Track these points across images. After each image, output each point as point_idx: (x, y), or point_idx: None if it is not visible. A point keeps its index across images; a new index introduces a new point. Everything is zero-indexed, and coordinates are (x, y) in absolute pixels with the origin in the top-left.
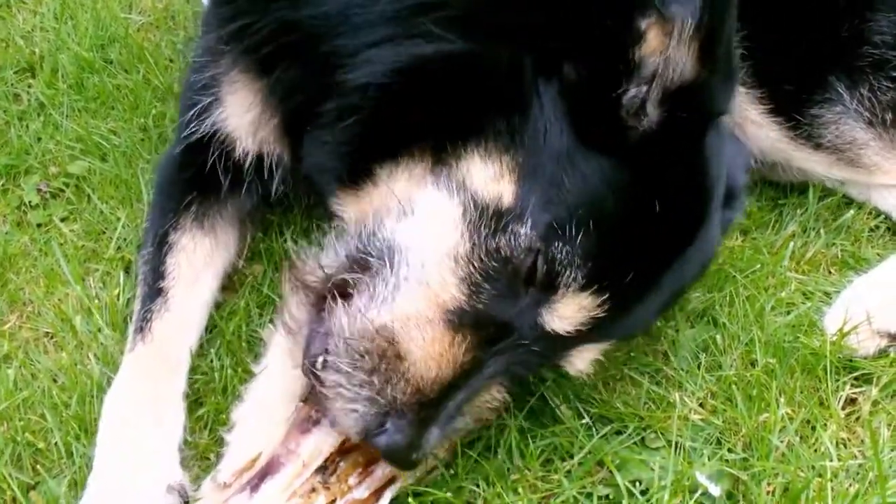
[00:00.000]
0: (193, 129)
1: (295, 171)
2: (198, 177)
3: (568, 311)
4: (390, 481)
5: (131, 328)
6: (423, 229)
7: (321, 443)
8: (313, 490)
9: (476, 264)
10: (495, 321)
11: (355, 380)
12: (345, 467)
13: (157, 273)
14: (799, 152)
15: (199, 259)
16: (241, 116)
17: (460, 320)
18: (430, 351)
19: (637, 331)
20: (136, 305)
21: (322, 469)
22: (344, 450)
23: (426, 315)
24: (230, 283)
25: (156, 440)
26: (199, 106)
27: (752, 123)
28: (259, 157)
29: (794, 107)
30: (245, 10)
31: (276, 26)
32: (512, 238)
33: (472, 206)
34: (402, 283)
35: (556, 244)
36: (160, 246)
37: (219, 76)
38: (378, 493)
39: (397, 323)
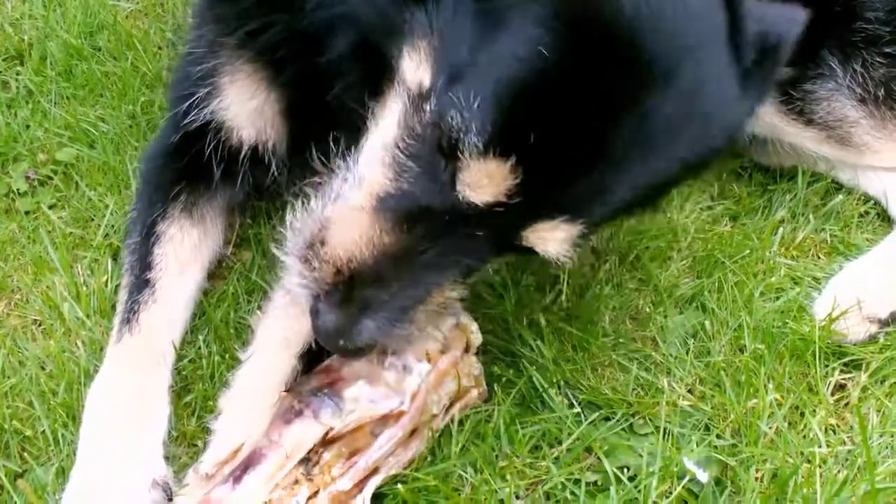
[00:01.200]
0: (191, 119)
1: (291, 157)
2: (188, 167)
3: (474, 178)
4: (373, 472)
5: (116, 319)
6: (374, 134)
7: (304, 434)
8: (296, 482)
9: (400, 148)
10: (419, 202)
11: (296, 269)
12: (328, 458)
13: (144, 263)
14: (791, 127)
15: (187, 250)
16: (244, 104)
17: (385, 205)
18: (350, 234)
19: (605, 207)
20: (122, 296)
21: (305, 460)
22: (327, 441)
23: (358, 204)
24: (218, 271)
25: (140, 435)
26: (196, 97)
27: None
28: (254, 147)
29: (787, 81)
30: (253, 14)
31: (287, 35)
32: (423, 115)
33: (406, 99)
34: (349, 180)
35: (456, 113)
36: (147, 236)
37: (220, 66)
38: (361, 484)
39: (333, 213)
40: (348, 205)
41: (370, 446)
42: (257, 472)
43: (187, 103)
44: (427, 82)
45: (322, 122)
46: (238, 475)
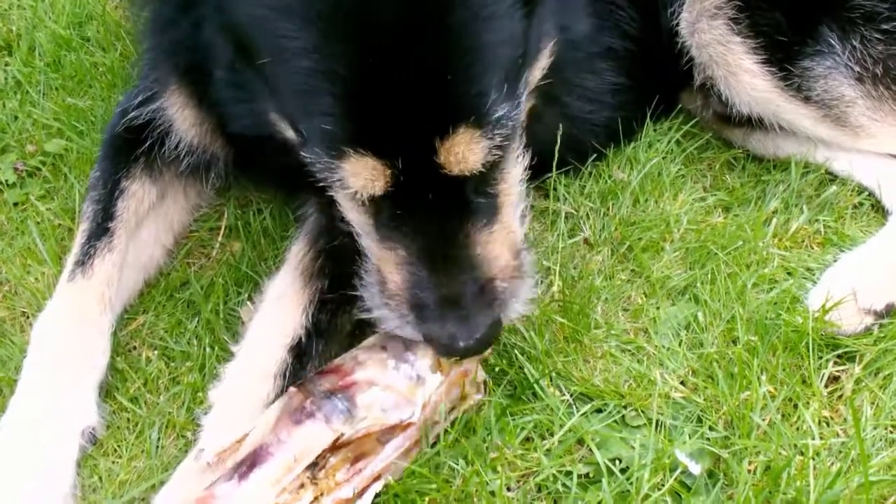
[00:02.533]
0: (141, 110)
1: (238, 168)
2: (148, 136)
3: (361, 172)
4: (376, 479)
5: (71, 259)
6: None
7: (314, 438)
8: (301, 486)
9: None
10: (383, 223)
11: (387, 316)
12: (334, 463)
13: (106, 213)
14: (788, 104)
15: (146, 207)
16: (181, 113)
17: (380, 236)
18: (390, 267)
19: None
20: (80, 238)
21: (312, 464)
22: (336, 446)
23: (369, 244)
24: (207, 262)
25: (78, 380)
26: (148, 92)
27: (745, 72)
28: (198, 150)
29: (786, 57)
30: (165, 27)
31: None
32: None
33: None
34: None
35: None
36: (112, 191)
37: (161, 77)
38: (362, 491)
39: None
40: (369, 246)
41: (376, 454)
42: (264, 472)
43: (141, 90)
44: (294, 137)
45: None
46: (244, 472)
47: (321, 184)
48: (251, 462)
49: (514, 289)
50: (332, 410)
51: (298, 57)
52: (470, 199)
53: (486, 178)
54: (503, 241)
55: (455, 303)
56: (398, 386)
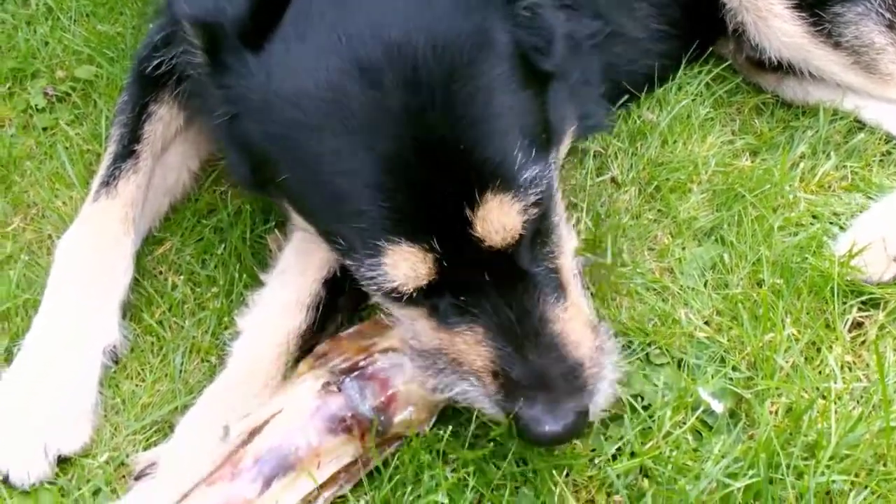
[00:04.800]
0: (165, 52)
1: None
2: (175, 69)
3: (403, 262)
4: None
5: (96, 180)
6: None
7: (344, 451)
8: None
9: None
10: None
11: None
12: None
13: (133, 136)
14: (818, 49)
15: (173, 131)
16: None
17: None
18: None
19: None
20: (106, 161)
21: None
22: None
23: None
24: (235, 189)
25: (101, 299)
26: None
27: (776, 17)
28: None
29: (817, 3)
30: None
31: None
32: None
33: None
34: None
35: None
36: (140, 114)
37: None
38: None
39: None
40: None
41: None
42: (290, 484)
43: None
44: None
45: None
46: (268, 478)
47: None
48: (278, 467)
49: (600, 373)
50: (368, 427)
51: (318, 164)
52: (528, 270)
53: (538, 249)
54: (579, 320)
55: (545, 383)
56: (431, 405)
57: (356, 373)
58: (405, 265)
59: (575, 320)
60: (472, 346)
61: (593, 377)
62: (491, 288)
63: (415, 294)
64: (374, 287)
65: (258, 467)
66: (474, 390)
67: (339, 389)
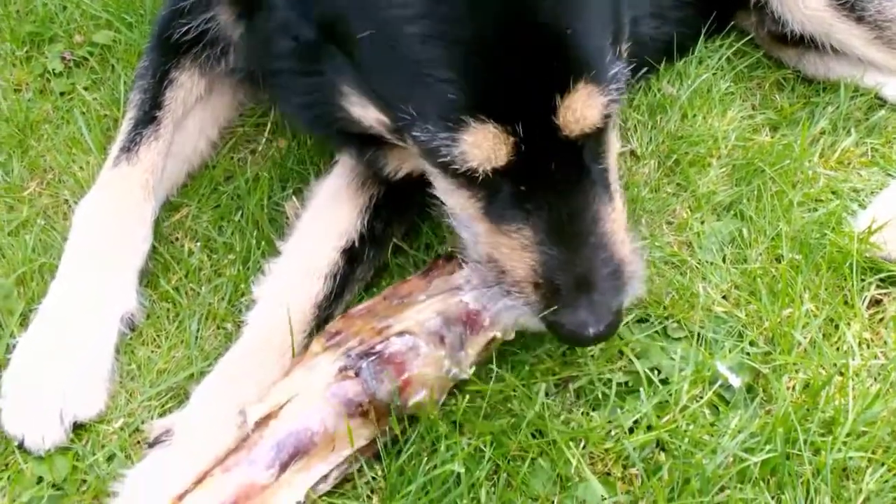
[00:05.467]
0: (190, 19)
1: None
2: (198, 38)
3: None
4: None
5: (116, 146)
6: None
7: (360, 432)
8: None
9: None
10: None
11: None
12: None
13: (154, 102)
14: (841, 23)
15: (194, 99)
16: (230, 26)
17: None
18: (507, 252)
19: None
20: (126, 126)
21: None
22: None
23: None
24: (252, 157)
25: (119, 267)
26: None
27: None
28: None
29: None
30: None
31: None
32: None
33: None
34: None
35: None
36: (161, 80)
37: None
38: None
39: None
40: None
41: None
42: (304, 468)
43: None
44: (387, 122)
45: None
46: (284, 463)
47: (428, 166)
48: (294, 452)
49: (637, 272)
50: (386, 412)
51: (407, 24)
52: (590, 168)
53: (598, 147)
54: (622, 220)
55: (589, 285)
56: (440, 387)
57: (373, 357)
58: (487, 145)
59: (619, 220)
60: (517, 251)
61: (631, 275)
62: (553, 180)
63: (482, 177)
64: (443, 162)
65: (274, 453)
66: (517, 304)
67: (356, 374)
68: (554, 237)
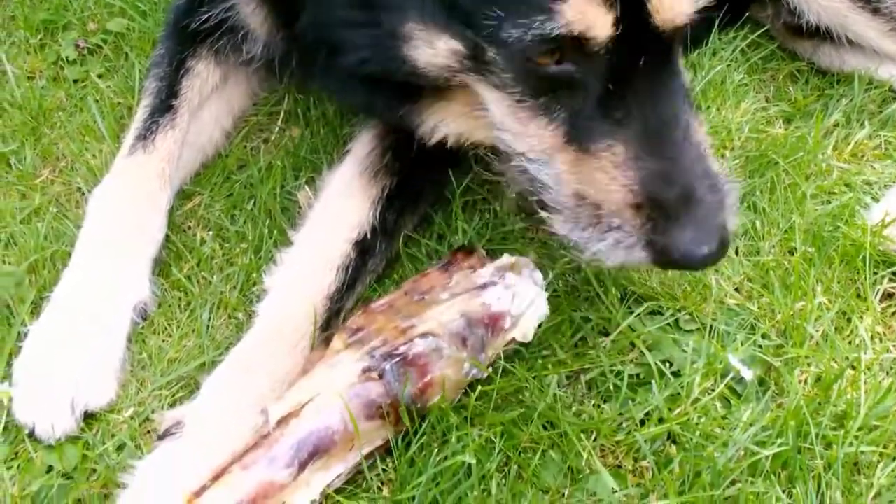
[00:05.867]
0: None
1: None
2: (216, 25)
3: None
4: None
5: (131, 134)
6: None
7: (377, 434)
8: None
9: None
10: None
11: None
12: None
13: (170, 90)
14: (857, 15)
15: (210, 88)
16: (251, 13)
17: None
18: (593, 178)
19: None
20: (141, 114)
21: None
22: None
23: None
24: (265, 146)
25: (133, 255)
26: None
27: None
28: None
29: None
30: None
31: None
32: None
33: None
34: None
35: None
36: (177, 69)
37: None
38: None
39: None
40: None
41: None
42: (322, 467)
43: None
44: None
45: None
46: (303, 462)
47: (498, 100)
48: (314, 450)
49: (732, 189)
50: (404, 413)
51: None
52: (679, 70)
53: (680, 48)
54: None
55: (694, 199)
56: (457, 386)
57: (397, 359)
58: (591, 11)
59: (705, 133)
60: (610, 172)
61: (728, 192)
62: (643, 79)
63: (592, 51)
64: (531, 68)
65: (294, 452)
66: (620, 237)
67: (380, 376)
68: (648, 149)
